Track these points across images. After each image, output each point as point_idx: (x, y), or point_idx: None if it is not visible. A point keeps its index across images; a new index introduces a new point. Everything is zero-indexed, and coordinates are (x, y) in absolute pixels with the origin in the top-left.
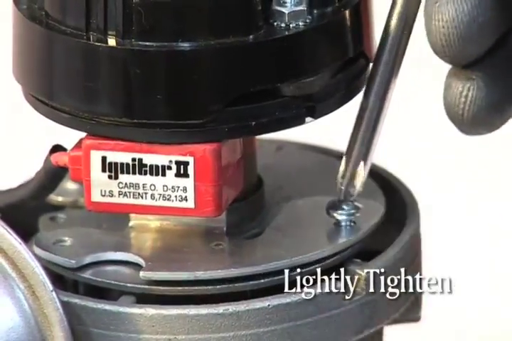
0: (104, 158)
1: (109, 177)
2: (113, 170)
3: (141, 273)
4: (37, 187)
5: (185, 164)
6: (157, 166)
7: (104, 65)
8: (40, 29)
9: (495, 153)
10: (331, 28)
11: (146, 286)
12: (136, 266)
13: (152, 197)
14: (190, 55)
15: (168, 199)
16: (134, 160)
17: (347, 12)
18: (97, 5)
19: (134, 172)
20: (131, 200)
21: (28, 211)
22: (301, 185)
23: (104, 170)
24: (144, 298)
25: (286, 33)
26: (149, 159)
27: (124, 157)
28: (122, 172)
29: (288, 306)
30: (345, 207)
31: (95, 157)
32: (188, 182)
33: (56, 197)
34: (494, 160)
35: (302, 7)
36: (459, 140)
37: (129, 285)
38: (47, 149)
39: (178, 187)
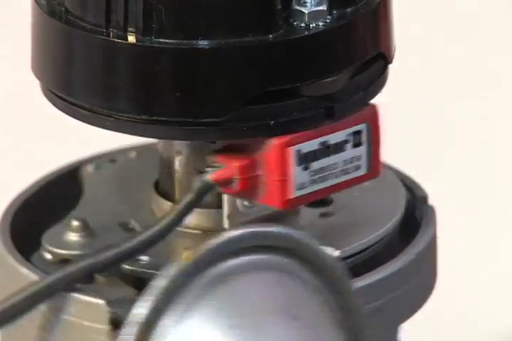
0: (298, 152)
1: (304, 168)
2: (306, 160)
3: None
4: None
5: (358, 133)
6: (337, 143)
7: (123, 61)
8: (59, 25)
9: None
10: (350, 28)
11: None
12: None
13: (335, 175)
14: (210, 53)
15: (347, 173)
16: (320, 144)
17: (366, 13)
18: (118, 1)
19: (320, 157)
20: (318, 186)
21: None
22: None
23: (300, 163)
24: None
25: (306, 32)
26: (331, 139)
27: (312, 145)
28: (313, 159)
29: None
30: None
31: (291, 153)
32: (362, 150)
33: (60, 251)
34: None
35: (322, 7)
36: (464, 141)
37: None
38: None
39: (354, 157)
